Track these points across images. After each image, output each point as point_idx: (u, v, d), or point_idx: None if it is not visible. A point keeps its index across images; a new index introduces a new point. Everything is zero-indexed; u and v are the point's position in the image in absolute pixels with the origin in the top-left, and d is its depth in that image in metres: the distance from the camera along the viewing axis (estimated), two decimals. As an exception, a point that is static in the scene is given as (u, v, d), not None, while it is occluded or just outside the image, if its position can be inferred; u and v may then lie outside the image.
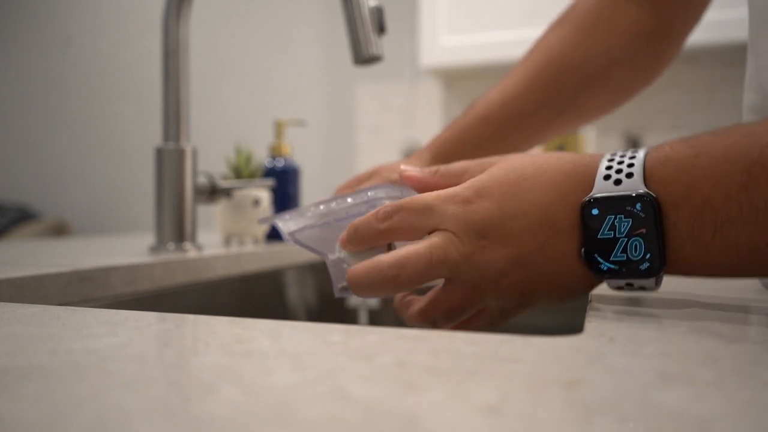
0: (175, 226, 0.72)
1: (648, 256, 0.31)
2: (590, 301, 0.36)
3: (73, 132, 2.93)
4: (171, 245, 0.72)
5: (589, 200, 0.32)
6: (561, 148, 1.36)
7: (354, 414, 0.16)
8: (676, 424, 0.16)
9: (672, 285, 0.45)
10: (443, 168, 0.40)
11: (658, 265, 0.31)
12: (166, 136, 0.74)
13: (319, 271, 0.95)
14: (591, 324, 0.28)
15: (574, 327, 0.32)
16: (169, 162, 0.73)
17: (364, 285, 0.35)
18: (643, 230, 0.31)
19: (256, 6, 2.56)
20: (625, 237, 0.31)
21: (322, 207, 0.44)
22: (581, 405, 0.17)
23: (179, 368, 0.22)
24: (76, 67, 2.91)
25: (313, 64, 2.46)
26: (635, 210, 0.31)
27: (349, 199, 0.43)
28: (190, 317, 0.31)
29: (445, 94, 2.17)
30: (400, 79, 2.24)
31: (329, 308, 0.95)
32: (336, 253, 0.40)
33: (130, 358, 0.23)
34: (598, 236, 0.32)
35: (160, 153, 0.74)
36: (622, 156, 0.33)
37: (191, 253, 0.71)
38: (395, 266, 0.34)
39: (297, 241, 0.43)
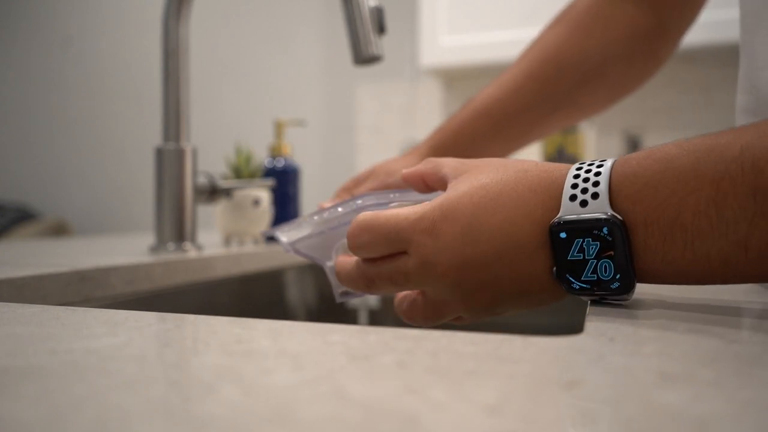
0: (175, 226, 0.72)
1: (618, 276, 0.31)
2: (590, 301, 0.36)
3: (73, 132, 2.93)
4: (171, 245, 0.72)
5: (558, 223, 0.32)
6: (561, 148, 1.36)
7: (354, 414, 0.16)
8: (676, 424, 0.16)
9: (671, 285, 0.45)
10: (432, 160, 0.41)
11: (629, 284, 0.31)
12: (166, 136, 0.74)
13: (319, 271, 0.95)
14: (591, 324, 0.28)
15: (574, 327, 0.32)
16: (169, 162, 0.73)
17: (344, 283, 0.39)
18: (611, 252, 0.31)
19: (256, 6, 2.56)
20: (594, 258, 0.31)
21: (316, 218, 0.46)
22: (581, 405, 0.17)
23: (179, 368, 0.22)
24: (76, 67, 2.91)
25: (313, 64, 2.46)
26: (602, 234, 0.31)
27: (339, 209, 0.45)
28: (190, 317, 0.31)
29: (445, 94, 2.17)
30: (400, 79, 2.24)
31: (329, 308, 0.95)
32: (332, 261, 0.43)
33: (130, 358, 0.23)
34: (568, 257, 0.32)
35: (160, 153, 0.74)
36: (588, 171, 0.33)
37: (191, 253, 0.71)
38: (366, 281, 0.37)
39: (297, 252, 0.46)
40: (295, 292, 0.90)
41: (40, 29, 2.98)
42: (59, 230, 2.64)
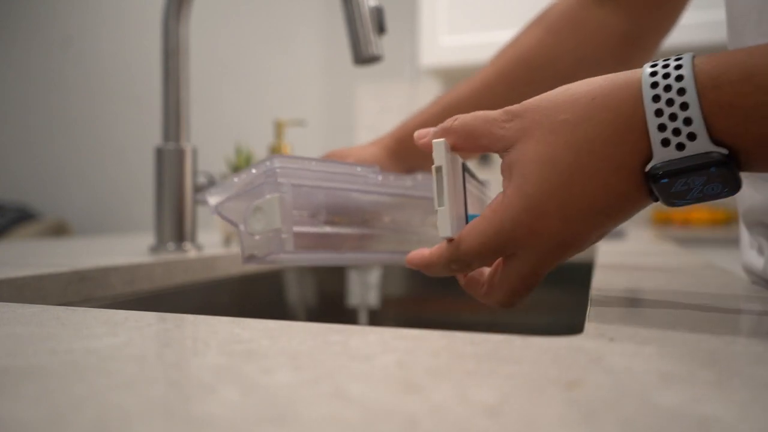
0: (175, 226, 0.72)
1: (726, 190, 0.30)
2: (590, 301, 0.36)
3: (73, 132, 2.93)
4: (171, 245, 0.72)
5: (656, 172, 0.30)
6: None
7: (354, 414, 0.16)
8: (676, 425, 0.16)
9: (672, 285, 0.45)
10: (458, 124, 0.36)
11: (736, 188, 0.30)
12: (166, 136, 0.74)
13: (319, 271, 0.95)
14: (591, 324, 0.28)
15: (574, 327, 0.32)
16: (169, 162, 0.73)
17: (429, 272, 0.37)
18: (720, 179, 0.30)
19: (256, 6, 2.56)
20: (700, 186, 0.30)
21: (236, 179, 0.46)
22: (581, 405, 0.17)
23: (179, 368, 0.22)
24: (76, 67, 2.91)
25: (313, 64, 2.46)
26: (710, 171, 0.29)
27: (253, 170, 0.45)
28: (190, 317, 0.31)
29: (445, 94, 2.17)
30: (400, 79, 2.24)
31: (329, 308, 0.95)
32: (243, 225, 0.43)
33: (130, 358, 0.23)
34: (671, 191, 0.30)
35: (160, 153, 0.74)
36: (670, 102, 0.29)
37: (191, 253, 0.71)
38: (465, 268, 0.35)
39: (220, 214, 0.46)
40: (295, 292, 0.90)
41: (40, 29, 2.98)
42: (59, 230, 2.64)
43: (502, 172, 0.34)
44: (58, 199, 2.93)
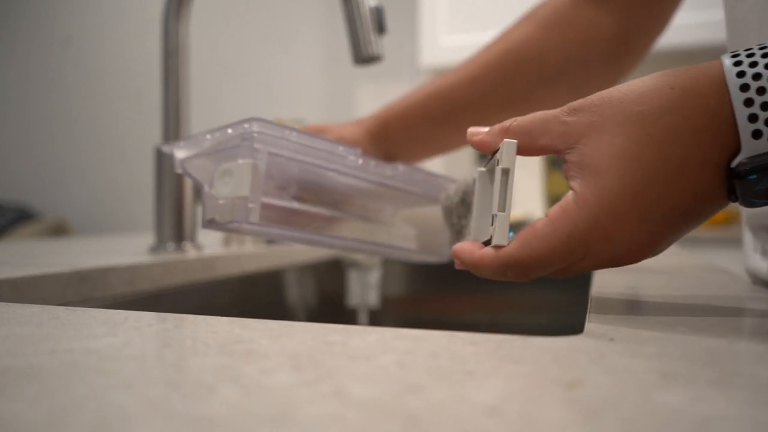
0: (175, 226, 0.72)
1: None
2: (590, 301, 0.36)
3: (73, 132, 2.93)
4: (171, 245, 0.72)
5: (743, 169, 0.28)
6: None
7: (354, 414, 0.16)
8: (676, 424, 0.16)
9: (672, 285, 0.45)
10: (516, 125, 0.34)
11: None
12: (166, 136, 0.74)
13: (319, 271, 0.95)
14: (591, 324, 0.28)
15: (574, 327, 0.32)
16: (169, 162, 0.73)
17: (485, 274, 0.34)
18: None
19: (256, 6, 2.56)
20: None
21: (208, 136, 0.43)
22: (581, 405, 0.17)
23: (179, 368, 0.22)
24: (76, 67, 2.91)
25: (313, 63, 2.46)
26: None
27: (229, 130, 0.42)
28: (190, 317, 0.31)
29: (445, 94, 2.17)
30: (400, 79, 2.24)
31: (329, 308, 0.95)
32: (209, 187, 0.40)
33: (130, 358, 0.23)
34: (757, 188, 0.28)
35: (159, 153, 0.74)
36: (759, 92, 0.28)
37: (191, 253, 0.71)
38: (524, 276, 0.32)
39: (185, 171, 0.43)
40: (295, 292, 0.90)
41: (40, 29, 2.98)
42: (59, 230, 2.64)
43: (567, 171, 0.31)
44: (58, 199, 2.93)
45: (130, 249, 0.77)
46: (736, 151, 0.28)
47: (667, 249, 0.32)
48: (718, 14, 0.63)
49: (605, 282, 0.45)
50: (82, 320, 0.30)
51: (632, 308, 0.34)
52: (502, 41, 0.65)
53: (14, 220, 2.65)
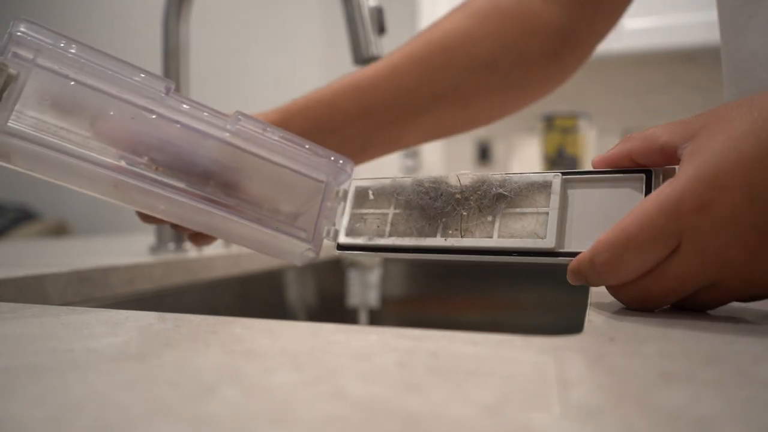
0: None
1: None
2: (590, 301, 0.36)
3: (73, 132, 2.92)
4: (171, 245, 0.72)
5: None
6: (561, 148, 1.35)
7: (354, 414, 0.16)
8: (676, 424, 0.16)
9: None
10: (637, 133, 0.33)
11: None
12: (166, 136, 0.74)
13: (319, 271, 0.95)
14: (591, 324, 0.28)
15: (574, 327, 0.32)
16: (169, 162, 0.73)
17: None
18: None
19: (256, 5, 2.56)
20: None
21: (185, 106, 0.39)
22: (581, 405, 0.17)
23: (179, 368, 0.22)
24: (76, 67, 2.91)
25: (313, 63, 2.46)
26: None
27: (142, 75, 0.38)
28: (191, 317, 0.31)
29: (445, 94, 2.17)
30: (400, 79, 2.23)
31: (329, 308, 0.95)
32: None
33: (130, 358, 0.23)
34: None
35: (160, 153, 0.73)
36: None
37: (191, 253, 0.71)
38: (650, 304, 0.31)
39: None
40: (295, 292, 0.90)
41: (40, 29, 2.98)
42: (59, 230, 2.64)
43: (680, 165, 0.30)
44: (58, 199, 2.93)
45: (131, 249, 0.77)
46: None
47: None
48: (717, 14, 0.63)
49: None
50: (83, 320, 0.30)
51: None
52: (427, 32, 0.59)
53: (15, 220, 2.65)
